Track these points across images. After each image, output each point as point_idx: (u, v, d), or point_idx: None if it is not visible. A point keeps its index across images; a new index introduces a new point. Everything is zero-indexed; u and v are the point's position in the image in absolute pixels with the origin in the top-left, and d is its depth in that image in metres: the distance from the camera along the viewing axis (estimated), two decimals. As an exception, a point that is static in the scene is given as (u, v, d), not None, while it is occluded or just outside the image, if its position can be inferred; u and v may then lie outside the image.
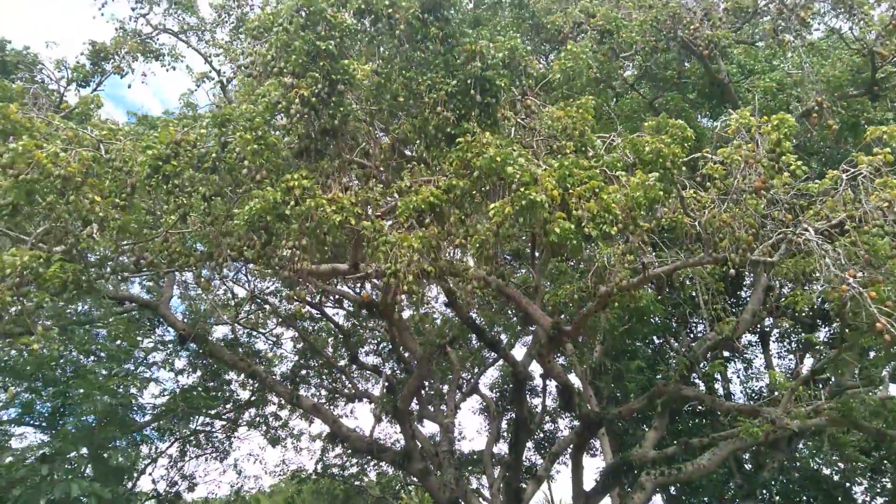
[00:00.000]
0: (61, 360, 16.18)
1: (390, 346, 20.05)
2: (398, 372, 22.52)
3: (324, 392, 24.41)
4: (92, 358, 17.68)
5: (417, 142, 6.53)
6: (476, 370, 23.77)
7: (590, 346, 15.93)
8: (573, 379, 16.47)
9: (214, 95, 12.36)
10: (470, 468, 24.74)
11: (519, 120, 6.78)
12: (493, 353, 22.55)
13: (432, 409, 20.37)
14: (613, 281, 7.29)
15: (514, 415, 24.58)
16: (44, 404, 17.95)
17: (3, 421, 11.60)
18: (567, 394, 12.42)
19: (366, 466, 26.98)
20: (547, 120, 6.42)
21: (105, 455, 9.28)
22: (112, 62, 11.11)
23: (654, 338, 19.72)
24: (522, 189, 5.48)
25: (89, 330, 17.31)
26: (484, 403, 25.17)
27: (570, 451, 20.01)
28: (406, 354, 18.73)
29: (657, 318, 14.70)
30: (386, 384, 17.84)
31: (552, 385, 20.83)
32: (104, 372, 14.73)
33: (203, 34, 12.45)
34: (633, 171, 5.92)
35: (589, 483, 14.91)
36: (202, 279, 7.16)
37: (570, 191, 5.62)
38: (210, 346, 15.50)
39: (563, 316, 12.04)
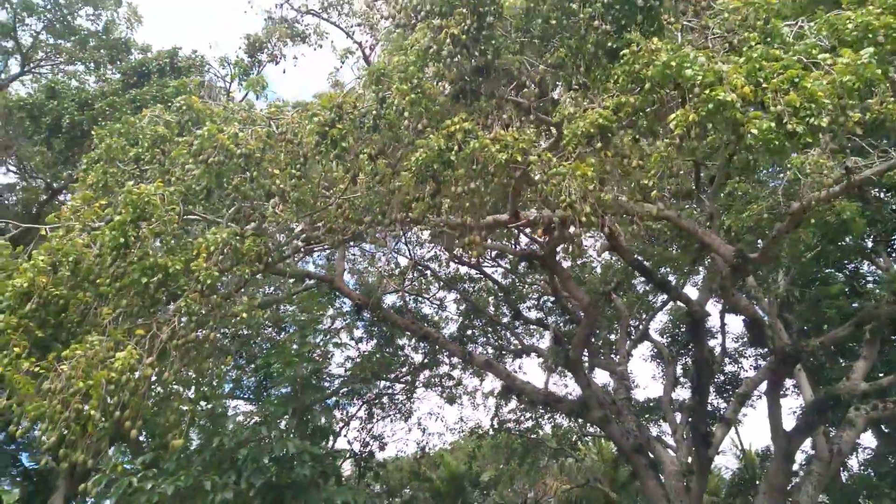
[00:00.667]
0: (258, 339, 17.78)
1: (553, 299, 19.76)
2: (562, 324, 22.21)
3: (490, 350, 24.79)
4: (283, 333, 19.28)
5: (575, 66, 6.09)
6: (644, 316, 22.85)
7: (773, 276, 14.54)
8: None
9: (359, 69, 12.63)
10: (646, 416, 23.97)
11: (686, 22, 6.09)
12: (660, 298, 21.52)
13: (603, 359, 19.91)
14: (810, 194, 6.42)
15: (689, 359, 23.39)
16: (248, 379, 19.89)
17: (218, 395, 12.74)
18: (756, 328, 11.42)
19: (540, 419, 27.14)
20: (723, 13, 5.68)
21: (306, 418, 9.93)
22: (266, 51, 11.74)
23: (847, 262, 17.63)
24: (707, 91, 4.88)
25: (277, 309, 18.84)
26: (655, 350, 24.19)
27: (758, 391, 18.67)
28: (570, 305, 18.37)
29: (851, 239, 13.03)
30: (553, 336, 17.58)
31: (731, 323, 19.44)
32: (295, 345, 15.98)
33: (342, 7, 12.76)
34: (836, 54, 5.06)
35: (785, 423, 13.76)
36: (377, 238, 7.23)
37: (764, 85, 4.92)
38: (384, 313, 16.19)
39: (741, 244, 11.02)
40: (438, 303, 24.35)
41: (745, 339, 21.55)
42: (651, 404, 24.73)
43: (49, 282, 6.36)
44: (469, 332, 23.23)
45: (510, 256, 18.68)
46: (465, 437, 29.33)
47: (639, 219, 8.68)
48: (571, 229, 5.67)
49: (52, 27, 14.87)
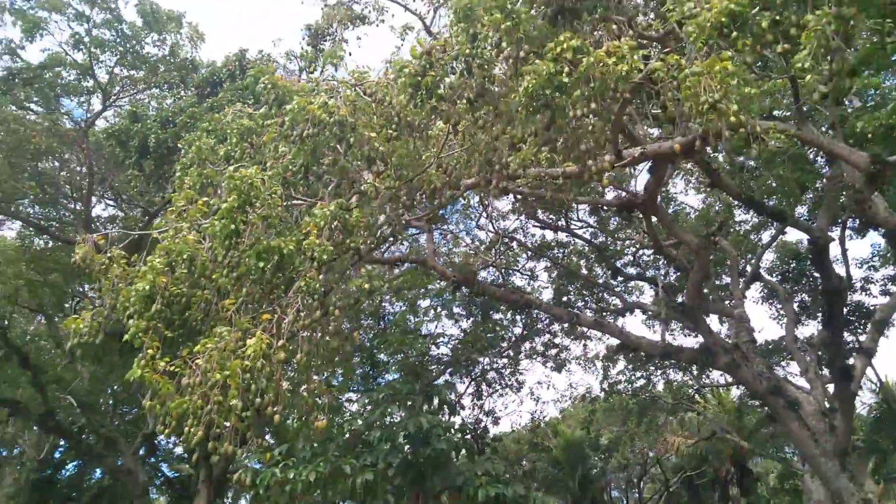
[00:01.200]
0: (362, 329, 17.89)
1: (652, 251, 18.77)
2: (664, 274, 21.20)
3: (589, 313, 24.09)
4: (383, 322, 19.37)
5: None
6: (749, 257, 21.48)
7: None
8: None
9: (421, 42, 12.20)
10: (769, 359, 22.58)
11: None
12: (766, 235, 20.17)
13: (715, 304, 18.80)
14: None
15: (805, 295, 21.84)
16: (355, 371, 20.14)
17: (333, 387, 12.74)
18: (900, 239, 10.22)
19: (652, 377, 26.23)
20: None
21: (431, 394, 9.70)
22: (329, 38, 11.55)
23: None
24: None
25: (374, 300, 18.93)
26: (765, 290, 22.75)
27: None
28: (674, 253, 17.37)
29: None
30: (661, 288, 16.68)
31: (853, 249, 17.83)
32: (403, 325, 15.90)
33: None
34: None
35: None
36: (492, 191, 6.77)
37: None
38: (482, 287, 15.84)
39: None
40: (529, 273, 23.79)
41: (872, 265, 19.85)
42: (769, 346, 23.33)
43: (169, 282, 6.32)
44: (565, 297, 22.57)
45: (603, 211, 17.81)
46: (575, 403, 28.77)
47: (764, 135, 7.82)
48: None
49: (125, 59, 15.25)
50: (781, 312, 22.64)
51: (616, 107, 5.69)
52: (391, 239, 9.91)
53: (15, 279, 18.40)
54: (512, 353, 23.47)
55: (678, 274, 21.12)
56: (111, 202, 19.56)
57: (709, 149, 7.36)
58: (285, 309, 5.90)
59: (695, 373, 25.62)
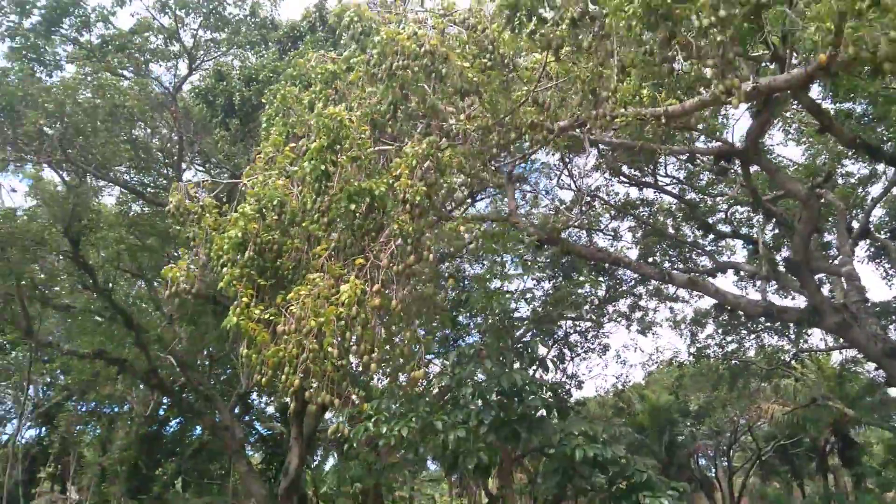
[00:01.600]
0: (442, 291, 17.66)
1: (749, 206, 17.46)
2: (760, 231, 19.77)
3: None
4: (461, 285, 19.09)
5: None
6: (856, 213, 19.69)
7: None
8: None
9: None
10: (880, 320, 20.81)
11: None
12: (874, 190, 18.42)
13: (820, 262, 17.36)
14: None
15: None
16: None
17: (429, 336, 12.48)
18: None
19: (744, 341, 24.89)
20: None
21: (522, 351, 9.29)
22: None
23: None
24: None
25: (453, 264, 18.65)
26: (873, 248, 20.94)
27: None
28: (774, 208, 16.06)
29: None
30: (761, 244, 15.48)
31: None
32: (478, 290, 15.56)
33: None
34: None
35: None
36: (598, 122, 6.15)
37: None
38: (566, 245, 15.21)
39: None
40: (612, 233, 22.82)
41: None
42: (877, 309, 21.54)
43: (260, 228, 6.15)
44: (651, 259, 21.54)
45: (694, 165, 16.60)
46: (661, 368, 27.75)
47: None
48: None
49: (208, 21, 15.32)
50: (892, 272, 20.81)
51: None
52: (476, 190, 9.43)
53: (116, 244, 19.20)
54: (595, 316, 22.73)
55: (775, 231, 19.69)
56: (200, 168, 19.99)
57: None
58: (378, 254, 5.60)
59: (792, 336, 24.11)
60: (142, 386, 25.52)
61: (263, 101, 8.64)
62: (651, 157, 17.23)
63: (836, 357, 27.85)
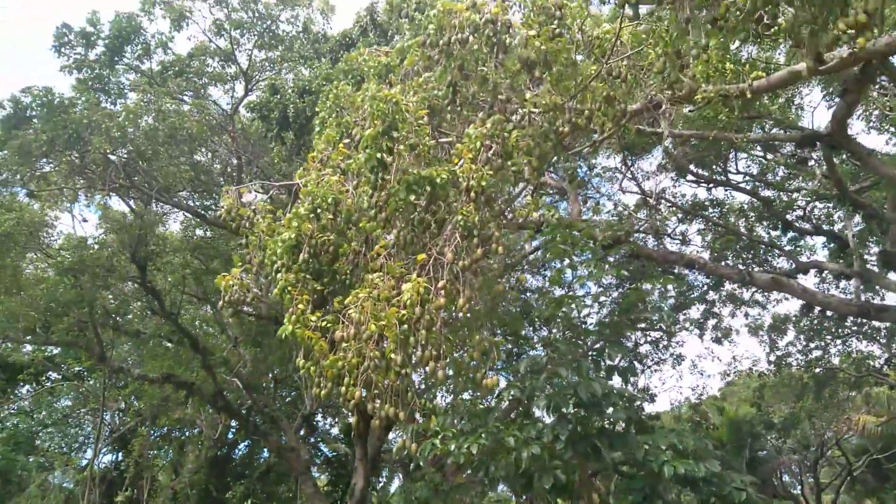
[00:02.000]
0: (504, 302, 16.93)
1: (830, 200, 16.06)
2: (848, 223, 18.23)
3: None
4: (524, 296, 18.33)
5: None
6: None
7: None
8: None
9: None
10: None
11: None
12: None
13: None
14: None
15: None
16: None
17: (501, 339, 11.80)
18: None
19: (829, 347, 23.05)
20: None
21: (599, 359, 8.47)
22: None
23: None
24: None
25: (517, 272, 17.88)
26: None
27: None
28: (861, 200, 14.66)
29: None
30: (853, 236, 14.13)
31: None
32: (543, 301, 14.78)
33: None
34: None
35: None
36: (680, 86, 5.44)
37: None
38: (637, 248, 14.31)
39: None
40: (680, 237, 21.61)
41: None
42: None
43: (315, 229, 5.67)
44: (723, 262, 20.20)
45: (776, 153, 15.41)
46: (738, 379, 26.04)
47: None
48: None
49: (262, 41, 15.35)
50: None
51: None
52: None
53: (182, 269, 19.39)
54: (665, 325, 21.48)
55: (861, 226, 18.10)
56: (258, 189, 20.03)
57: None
58: (441, 249, 5.02)
59: (883, 340, 22.17)
60: (210, 409, 25.72)
61: (317, 109, 8.27)
62: (721, 153, 16.15)
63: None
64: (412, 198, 4.90)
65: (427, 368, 4.72)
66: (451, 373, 4.81)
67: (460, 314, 4.97)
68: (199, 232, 20.72)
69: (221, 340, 24.42)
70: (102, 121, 13.49)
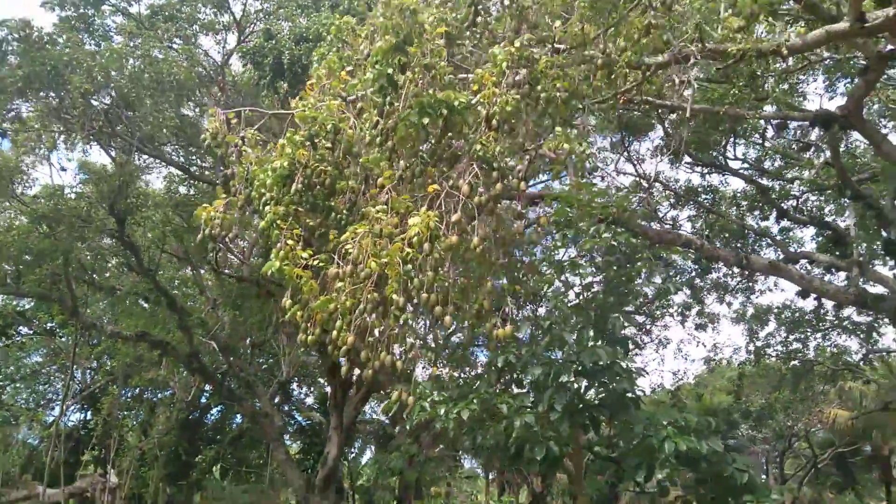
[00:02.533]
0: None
1: (833, 187, 15.64)
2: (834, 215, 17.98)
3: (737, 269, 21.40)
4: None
5: None
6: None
7: None
8: None
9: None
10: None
11: None
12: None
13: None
14: None
15: None
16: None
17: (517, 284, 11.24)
18: None
19: (808, 340, 22.95)
20: None
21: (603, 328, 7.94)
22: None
23: None
24: None
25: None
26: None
27: None
28: (862, 189, 14.28)
29: None
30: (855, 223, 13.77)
31: None
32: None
33: None
34: None
35: None
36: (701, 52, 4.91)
37: None
38: (634, 224, 13.77)
39: None
40: (671, 223, 21.23)
41: None
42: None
43: (311, 157, 5.02)
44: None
45: (783, 136, 14.90)
46: (715, 368, 25.92)
47: None
48: None
49: (258, -11, 14.44)
50: None
51: None
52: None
53: (162, 225, 18.57)
54: (650, 309, 21.16)
55: (857, 219, 17.78)
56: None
57: None
58: (455, 183, 4.40)
59: (862, 336, 22.11)
60: (184, 371, 25.01)
61: (317, 52, 7.52)
62: (720, 137, 15.69)
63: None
64: (426, 121, 4.26)
65: (433, 312, 4.12)
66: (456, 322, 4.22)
67: (471, 256, 4.36)
68: (182, 189, 19.86)
69: (200, 302, 23.68)
70: (84, 60, 12.59)
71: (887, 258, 13.17)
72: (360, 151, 5.21)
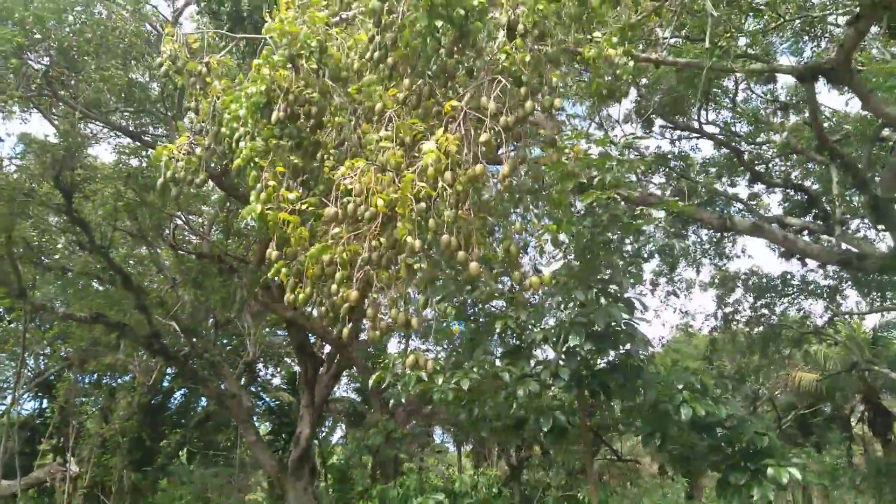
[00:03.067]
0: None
1: (807, 149, 15.36)
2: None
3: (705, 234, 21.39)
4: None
5: None
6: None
7: None
8: None
9: None
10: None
11: None
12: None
13: None
14: None
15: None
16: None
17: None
18: None
19: (774, 305, 23.07)
20: None
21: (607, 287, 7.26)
22: None
23: None
24: None
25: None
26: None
27: None
28: (841, 150, 13.96)
29: None
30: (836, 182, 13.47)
31: None
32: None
33: None
34: None
35: None
36: None
37: None
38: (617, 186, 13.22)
39: None
40: (640, 190, 20.82)
41: None
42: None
43: (293, 81, 4.13)
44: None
45: (747, 103, 14.33)
46: (679, 335, 25.98)
47: None
48: None
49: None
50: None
51: None
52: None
53: (114, 200, 17.25)
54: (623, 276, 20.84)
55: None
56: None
57: None
58: (477, 98, 3.59)
59: (826, 299, 22.31)
60: (144, 354, 23.69)
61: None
62: (693, 101, 15.21)
63: (870, 321, 26.14)
64: (438, 24, 3.41)
65: (455, 257, 3.33)
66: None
67: (501, 190, 3.58)
68: (134, 162, 18.44)
69: (158, 282, 22.38)
70: (15, 8, 11.17)
71: (869, 216, 12.91)
72: (351, 77, 4.34)
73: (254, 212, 3.80)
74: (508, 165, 3.42)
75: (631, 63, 3.94)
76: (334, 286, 3.56)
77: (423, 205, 3.42)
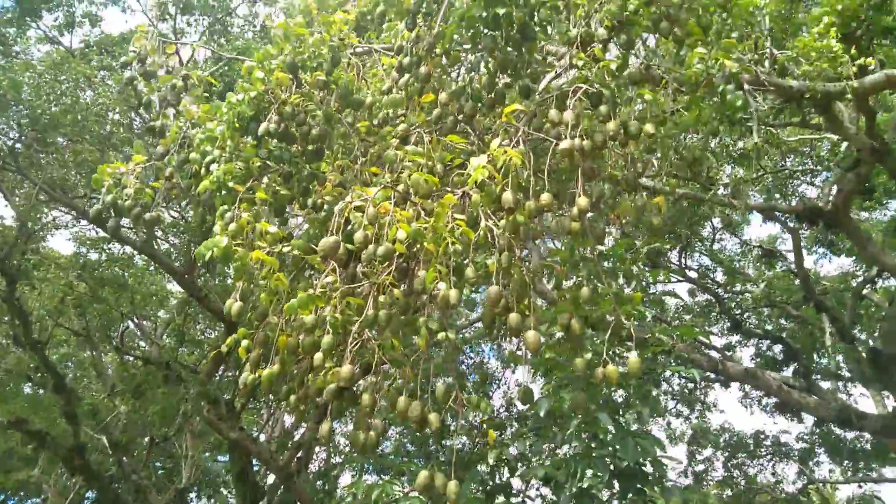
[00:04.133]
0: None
1: (804, 296, 14.79)
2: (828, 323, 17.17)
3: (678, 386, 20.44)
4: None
5: None
6: None
7: None
8: None
9: None
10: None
11: None
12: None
13: None
14: None
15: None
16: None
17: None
18: None
19: (747, 464, 21.64)
20: None
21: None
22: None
23: None
24: None
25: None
26: None
27: None
28: (826, 302, 13.42)
29: None
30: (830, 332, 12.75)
31: None
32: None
33: None
34: None
35: None
36: None
37: None
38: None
39: None
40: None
41: None
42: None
43: (292, 90, 3.13)
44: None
45: (780, 218, 13.80)
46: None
47: None
48: None
49: (213, 28, 12.85)
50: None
51: None
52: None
53: (62, 293, 15.67)
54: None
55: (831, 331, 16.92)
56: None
57: None
58: (545, 111, 2.61)
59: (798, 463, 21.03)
60: (63, 475, 20.61)
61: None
62: (688, 236, 14.89)
63: (846, 492, 24.59)
64: (501, 11, 2.48)
65: (507, 322, 2.16)
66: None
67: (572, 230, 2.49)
68: (93, 256, 17.02)
69: (95, 389, 20.02)
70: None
71: (863, 372, 12.12)
72: (362, 112, 3.39)
73: (217, 246, 2.60)
74: (583, 200, 2.35)
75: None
76: (318, 356, 2.30)
77: (458, 245, 2.29)
